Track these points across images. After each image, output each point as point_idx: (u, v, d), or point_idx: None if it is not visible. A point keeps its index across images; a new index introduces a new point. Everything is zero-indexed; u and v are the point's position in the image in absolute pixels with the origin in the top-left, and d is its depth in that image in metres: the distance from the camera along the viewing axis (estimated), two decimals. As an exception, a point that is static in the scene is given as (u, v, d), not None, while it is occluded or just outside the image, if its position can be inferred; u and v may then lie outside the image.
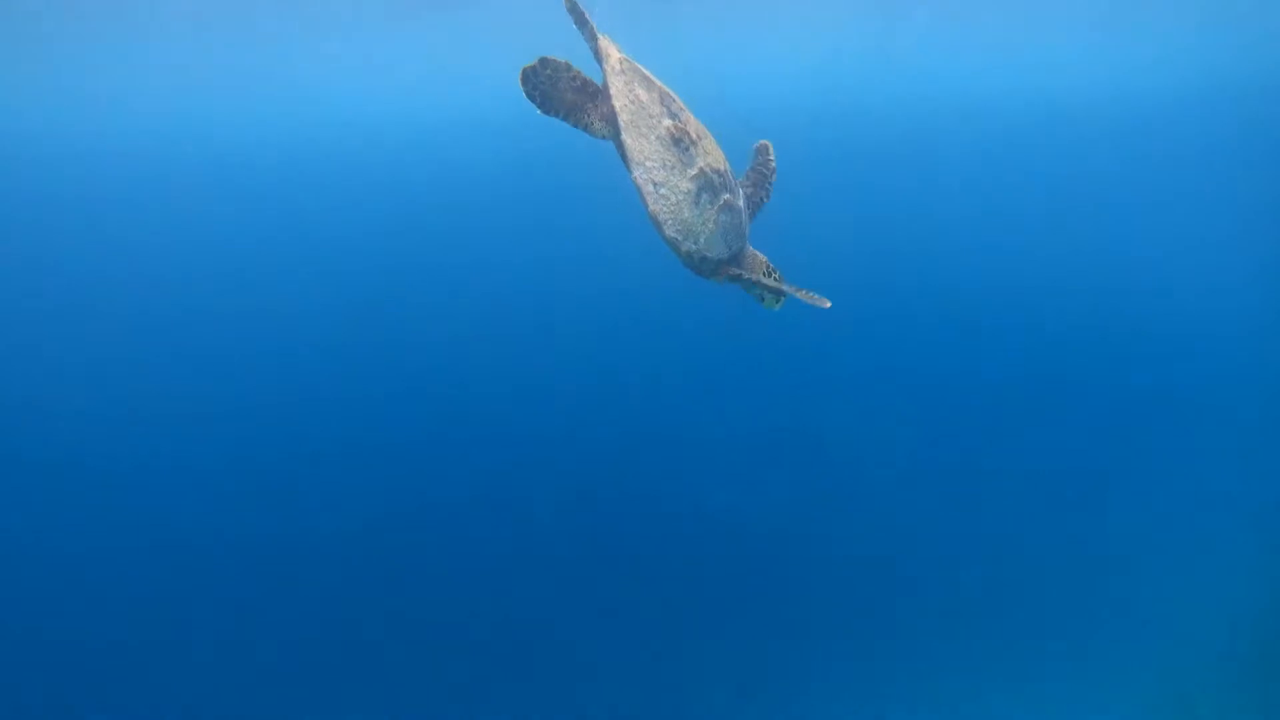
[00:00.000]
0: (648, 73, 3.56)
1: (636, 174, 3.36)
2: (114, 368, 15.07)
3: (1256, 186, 18.71)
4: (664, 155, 3.37)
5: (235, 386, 14.96)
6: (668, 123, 3.43)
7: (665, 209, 3.36)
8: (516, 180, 17.74)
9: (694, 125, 3.53)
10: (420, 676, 11.54)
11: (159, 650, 11.69)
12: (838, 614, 11.52)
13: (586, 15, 3.51)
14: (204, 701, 11.26)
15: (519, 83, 3.43)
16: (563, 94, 3.48)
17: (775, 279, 3.68)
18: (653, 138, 3.37)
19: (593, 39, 3.55)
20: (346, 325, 16.14)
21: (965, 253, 17.95)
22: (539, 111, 3.47)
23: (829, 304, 3.44)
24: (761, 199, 3.93)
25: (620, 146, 3.42)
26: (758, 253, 3.75)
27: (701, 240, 3.44)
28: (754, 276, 3.64)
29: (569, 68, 3.51)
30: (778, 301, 3.73)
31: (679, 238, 3.41)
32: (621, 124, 3.37)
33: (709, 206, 3.44)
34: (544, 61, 3.46)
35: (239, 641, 11.71)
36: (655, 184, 3.35)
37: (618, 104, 3.38)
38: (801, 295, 3.50)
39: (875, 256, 16.46)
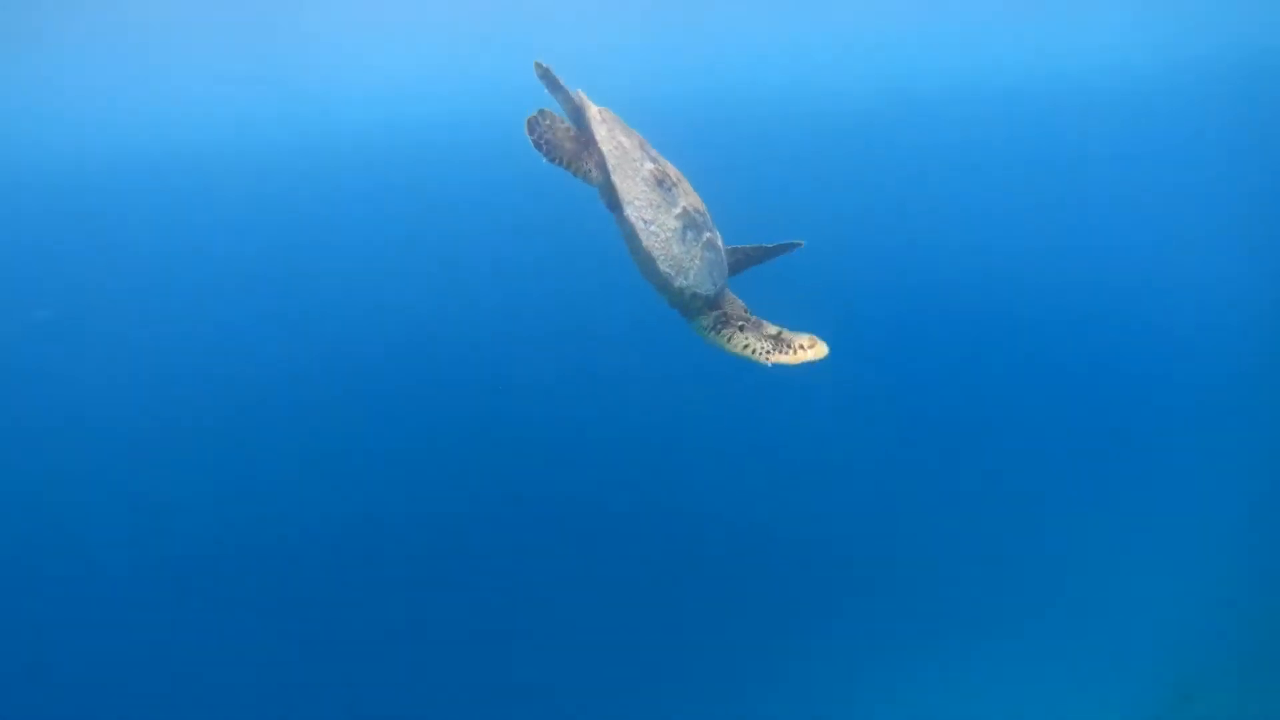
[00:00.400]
0: (624, 122, 3.75)
1: (628, 212, 3.51)
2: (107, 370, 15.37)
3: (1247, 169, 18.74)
4: (650, 195, 3.54)
5: (229, 390, 15.19)
6: (650, 166, 3.61)
7: (657, 245, 3.50)
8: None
9: (672, 169, 3.73)
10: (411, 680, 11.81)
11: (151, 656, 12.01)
12: (847, 610, 11.75)
13: (559, 79, 3.68)
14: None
15: (525, 133, 3.57)
16: (562, 143, 3.63)
17: (755, 322, 3.76)
18: (638, 179, 3.54)
19: (567, 100, 3.75)
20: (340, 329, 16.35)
21: (941, 243, 18.05)
22: (544, 160, 3.61)
23: (825, 350, 3.55)
24: (741, 265, 4.05)
25: (610, 189, 3.59)
26: (735, 297, 3.88)
27: (691, 276, 3.58)
28: (736, 321, 3.75)
29: (562, 119, 3.70)
30: (768, 356, 3.68)
31: (671, 273, 3.54)
32: (610, 167, 3.54)
33: (694, 244, 3.59)
34: (543, 112, 3.64)
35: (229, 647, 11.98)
36: (646, 221, 3.51)
37: (605, 148, 3.56)
38: (792, 354, 3.55)
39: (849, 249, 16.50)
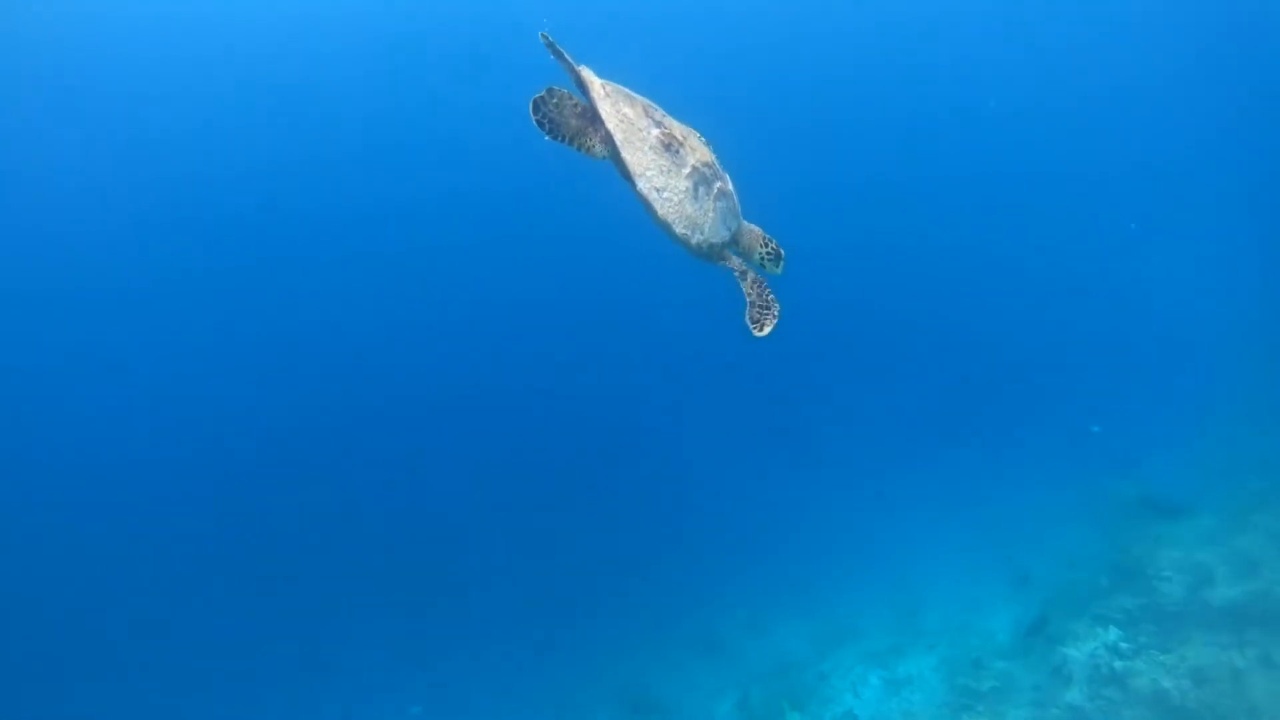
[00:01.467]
0: (628, 90, 3.85)
1: (641, 185, 3.70)
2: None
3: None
4: (659, 162, 3.70)
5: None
6: (655, 131, 3.74)
7: (671, 209, 3.70)
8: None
9: (678, 128, 3.86)
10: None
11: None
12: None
13: (564, 52, 3.76)
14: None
15: (530, 112, 3.74)
16: (568, 120, 3.80)
17: (773, 247, 4.06)
18: (646, 148, 3.69)
19: (572, 71, 3.83)
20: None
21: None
22: (547, 138, 3.78)
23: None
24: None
25: (621, 164, 3.75)
26: (752, 226, 4.09)
27: (706, 229, 3.80)
28: (756, 248, 4.04)
29: (571, 96, 3.82)
30: (778, 265, 4.06)
31: (688, 233, 3.77)
32: (618, 142, 3.69)
33: (706, 198, 3.78)
34: (551, 91, 3.79)
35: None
36: (658, 190, 3.69)
37: (610, 125, 3.70)
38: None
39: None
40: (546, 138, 3.76)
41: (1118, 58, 19.11)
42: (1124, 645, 9.56)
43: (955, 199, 17.86)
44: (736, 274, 3.99)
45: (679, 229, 3.75)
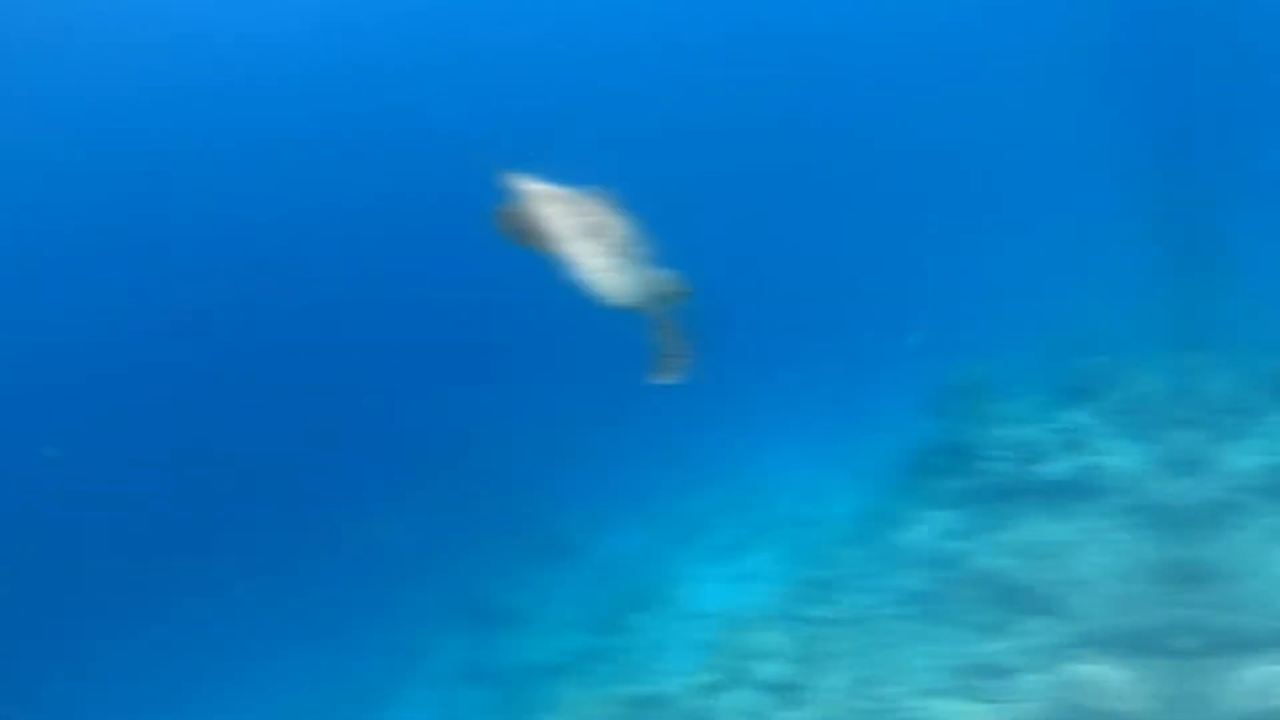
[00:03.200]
0: (552, 187, 3.98)
1: (579, 274, 3.93)
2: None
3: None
4: (589, 246, 3.94)
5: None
6: (581, 220, 3.96)
7: (606, 285, 3.97)
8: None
9: (596, 209, 3.99)
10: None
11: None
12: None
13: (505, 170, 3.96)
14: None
15: (495, 224, 3.96)
16: (523, 225, 4.07)
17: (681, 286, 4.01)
18: (577, 237, 3.93)
19: (504, 177, 3.98)
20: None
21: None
22: (511, 243, 4.04)
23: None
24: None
25: (560, 255, 3.95)
26: (661, 271, 4.02)
27: (634, 293, 4.04)
28: (670, 290, 4.01)
29: (520, 202, 4.03)
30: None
31: (625, 301, 4.00)
32: (554, 237, 3.96)
33: (629, 267, 4.00)
34: (507, 201, 3.99)
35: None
36: (591, 270, 3.94)
37: (547, 224, 3.92)
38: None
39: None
40: (511, 243, 3.97)
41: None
42: (958, 526, 9.68)
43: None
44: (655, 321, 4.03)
45: (617, 300, 3.99)
